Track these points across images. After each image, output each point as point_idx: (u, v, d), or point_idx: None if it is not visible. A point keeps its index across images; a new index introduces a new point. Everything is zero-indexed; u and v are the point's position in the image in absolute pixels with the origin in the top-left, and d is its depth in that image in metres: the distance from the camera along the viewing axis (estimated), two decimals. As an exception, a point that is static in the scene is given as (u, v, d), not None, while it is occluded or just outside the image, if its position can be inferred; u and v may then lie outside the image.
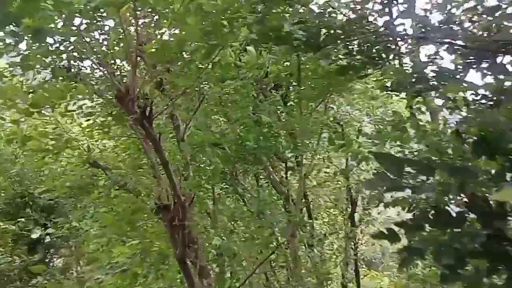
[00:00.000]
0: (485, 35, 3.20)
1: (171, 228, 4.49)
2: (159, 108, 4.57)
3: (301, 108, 7.05)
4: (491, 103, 3.24)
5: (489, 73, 3.68)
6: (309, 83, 7.01)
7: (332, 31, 3.62)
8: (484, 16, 3.20)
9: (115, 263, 6.21)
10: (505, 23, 3.16)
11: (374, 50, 3.64)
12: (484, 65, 3.52)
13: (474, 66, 3.61)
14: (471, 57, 3.54)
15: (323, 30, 3.65)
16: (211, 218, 6.78)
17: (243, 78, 5.62)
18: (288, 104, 7.51)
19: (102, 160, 5.46)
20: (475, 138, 2.77)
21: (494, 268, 2.50)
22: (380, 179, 2.55)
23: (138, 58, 4.04)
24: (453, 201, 2.55)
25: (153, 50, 3.76)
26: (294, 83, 7.18)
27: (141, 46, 4.05)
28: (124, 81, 4.08)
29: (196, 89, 5.07)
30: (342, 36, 3.59)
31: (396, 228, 2.44)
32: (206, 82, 5.53)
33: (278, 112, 7.32)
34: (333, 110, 8.99)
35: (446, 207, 2.52)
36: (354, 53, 3.71)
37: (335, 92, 7.47)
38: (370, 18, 3.99)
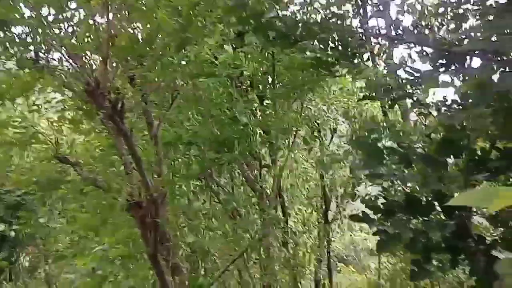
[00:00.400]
0: (453, 39, 3.30)
1: (143, 226, 4.41)
2: (131, 103, 4.49)
3: (277, 106, 7.08)
4: (460, 107, 3.35)
5: (457, 77, 3.80)
6: (285, 81, 7.05)
7: (308, 26, 3.65)
8: (453, 21, 3.29)
9: (85, 262, 6.06)
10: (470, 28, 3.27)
11: (348, 48, 3.69)
12: (453, 68, 3.63)
13: (443, 69, 3.72)
14: (440, 61, 3.65)
15: (300, 25, 3.68)
16: (185, 215, 6.72)
17: (218, 76, 5.60)
18: (264, 102, 7.53)
19: (72, 155, 5.29)
20: (442, 138, 2.87)
21: (457, 262, 2.61)
22: (365, 164, 2.62)
23: (110, 52, 3.95)
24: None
25: (124, 43, 3.67)
26: (269, 82, 7.20)
27: (112, 39, 3.96)
28: (95, 74, 3.97)
29: (170, 85, 5.01)
30: (318, 32, 3.62)
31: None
32: (180, 79, 5.46)
33: (254, 110, 7.33)
34: (309, 109, 9.07)
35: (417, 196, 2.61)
36: (329, 49, 3.76)
37: (310, 90, 7.54)
38: (346, 18, 4.06)
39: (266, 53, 6.48)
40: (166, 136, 5.76)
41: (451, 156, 2.85)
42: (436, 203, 2.52)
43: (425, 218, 2.48)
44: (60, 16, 3.70)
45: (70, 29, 3.93)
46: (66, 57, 3.96)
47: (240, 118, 6.18)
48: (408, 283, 7.75)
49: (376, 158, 2.40)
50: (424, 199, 2.52)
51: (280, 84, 7.16)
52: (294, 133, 7.98)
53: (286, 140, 7.89)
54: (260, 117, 7.22)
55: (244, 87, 7.11)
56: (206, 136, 5.99)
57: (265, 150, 7.64)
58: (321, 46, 3.79)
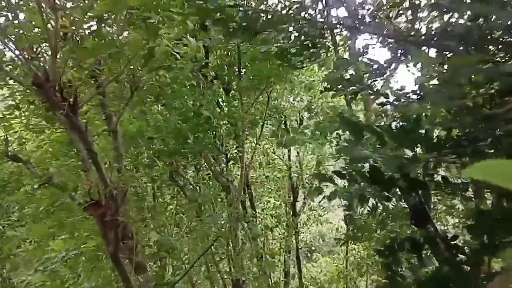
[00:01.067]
0: (410, 28, 3.33)
1: (103, 224, 4.23)
2: (86, 96, 4.27)
3: (242, 98, 7.01)
4: (418, 97, 3.41)
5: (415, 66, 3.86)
6: (250, 73, 6.98)
7: (268, 18, 3.59)
8: (409, 10, 3.32)
9: (44, 263, 5.79)
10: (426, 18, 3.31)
11: (308, 38, 3.65)
12: (411, 58, 3.69)
13: (402, 59, 3.78)
14: (399, 51, 3.70)
15: (259, 16, 3.61)
16: (149, 212, 6.55)
17: (180, 68, 5.42)
18: (230, 94, 7.43)
19: (24, 153, 4.99)
20: (398, 128, 2.90)
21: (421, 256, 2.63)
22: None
23: (61, 42, 3.72)
24: None
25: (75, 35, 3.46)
26: (235, 73, 7.11)
27: (63, 29, 3.72)
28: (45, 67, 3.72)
29: (128, 77, 4.79)
30: (277, 23, 3.57)
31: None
32: (140, 70, 5.25)
33: (219, 102, 7.22)
34: (275, 101, 9.05)
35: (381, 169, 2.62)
36: (290, 39, 3.72)
37: (276, 82, 7.51)
38: (306, 8, 4.02)
39: (230, 44, 6.37)
40: (130, 130, 5.56)
41: (408, 146, 2.88)
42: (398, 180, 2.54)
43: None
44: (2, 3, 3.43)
45: (14, 18, 3.65)
46: (11, 48, 3.68)
47: (203, 111, 6.07)
48: (373, 269, 7.96)
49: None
50: (388, 174, 2.53)
51: (246, 76, 7.09)
52: (261, 125, 7.95)
53: (253, 132, 7.85)
54: (226, 109, 7.13)
55: (209, 79, 6.98)
56: (170, 129, 5.83)
57: (232, 143, 7.57)
58: (282, 36, 3.74)
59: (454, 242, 2.50)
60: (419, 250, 2.53)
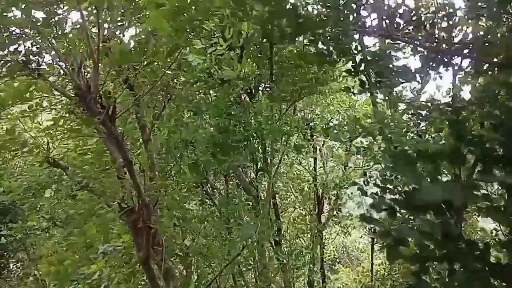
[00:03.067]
0: (445, 38, 3.32)
1: (135, 230, 4.37)
2: (124, 107, 4.45)
3: (272, 110, 7.06)
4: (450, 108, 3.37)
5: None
6: (280, 87, 7.01)
7: (304, 21, 3.63)
8: (445, 19, 3.31)
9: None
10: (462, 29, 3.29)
11: (344, 44, 3.66)
12: (443, 68, 3.66)
13: (434, 68, 3.74)
14: (431, 60, 3.67)
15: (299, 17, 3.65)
16: (180, 219, 6.67)
17: (215, 82, 5.49)
18: (260, 106, 7.48)
19: (64, 160, 5.23)
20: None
21: (453, 271, 2.57)
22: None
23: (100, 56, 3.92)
24: None
25: (116, 48, 3.65)
26: (266, 87, 7.17)
27: (104, 43, 3.93)
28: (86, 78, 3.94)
29: (163, 89, 4.98)
30: (316, 26, 3.59)
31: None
32: (175, 83, 5.43)
33: (250, 114, 7.29)
34: (302, 112, 9.08)
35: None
36: (326, 42, 3.73)
37: (307, 93, 7.50)
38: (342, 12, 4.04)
39: (263, 55, 6.41)
40: (165, 139, 5.67)
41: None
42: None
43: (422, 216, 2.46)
44: (52, 20, 3.66)
45: (60, 32, 3.89)
46: (57, 61, 3.92)
47: (245, 122, 6.11)
48: (399, 283, 7.78)
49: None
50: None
51: (280, 85, 7.10)
52: (288, 136, 7.97)
53: (281, 144, 7.88)
54: (256, 121, 7.19)
55: (242, 92, 7.06)
56: (205, 140, 5.93)
57: (260, 154, 7.62)
58: (320, 40, 3.75)
59: (485, 255, 2.45)
60: (449, 261, 2.48)
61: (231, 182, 7.74)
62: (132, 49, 3.98)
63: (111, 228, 5.67)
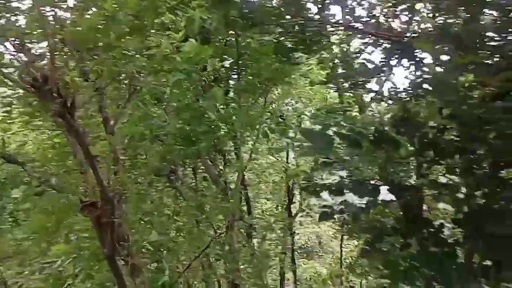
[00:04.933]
0: (404, 30, 3.39)
1: (99, 226, 4.25)
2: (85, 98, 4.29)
3: (241, 100, 7.01)
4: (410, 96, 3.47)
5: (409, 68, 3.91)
6: (249, 74, 6.97)
7: (267, 10, 3.61)
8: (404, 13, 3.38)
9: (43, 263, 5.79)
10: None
11: (305, 35, 3.69)
12: (405, 60, 3.74)
13: (396, 61, 3.83)
14: (393, 52, 3.74)
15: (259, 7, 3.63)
16: (147, 213, 6.56)
17: (181, 71, 5.39)
18: (228, 96, 7.43)
19: (22, 154, 5.01)
20: (398, 116, 2.96)
21: (408, 245, 2.74)
22: (310, 150, 2.69)
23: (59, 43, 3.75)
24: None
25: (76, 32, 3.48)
26: (233, 76, 7.10)
27: (62, 30, 3.75)
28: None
29: (125, 79, 4.82)
30: (276, 17, 3.59)
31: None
32: (139, 73, 5.27)
33: (218, 105, 7.22)
34: (274, 103, 9.06)
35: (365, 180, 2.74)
36: (289, 33, 3.74)
37: (275, 83, 7.49)
38: (304, 5, 4.05)
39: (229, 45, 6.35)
40: (129, 132, 5.54)
41: (406, 134, 2.96)
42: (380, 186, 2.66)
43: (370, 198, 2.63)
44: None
45: (14, 19, 3.68)
46: (10, 50, 3.71)
47: (209, 114, 6.05)
48: (366, 270, 8.01)
49: (324, 145, 2.48)
50: (371, 182, 2.67)
51: (245, 77, 7.07)
52: (259, 127, 7.95)
53: (251, 134, 7.86)
54: (224, 112, 7.13)
55: (208, 81, 6.98)
56: (171, 132, 5.83)
57: (229, 145, 7.59)
58: (280, 31, 3.77)
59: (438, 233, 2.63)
60: (404, 236, 2.65)
61: (200, 175, 7.67)
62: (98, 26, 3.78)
63: (76, 223, 5.51)
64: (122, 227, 4.75)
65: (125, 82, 4.92)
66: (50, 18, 3.68)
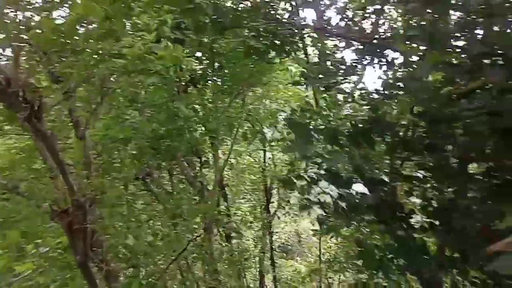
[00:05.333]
0: (374, 32, 3.45)
1: (70, 233, 4.12)
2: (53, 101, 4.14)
3: (217, 102, 6.97)
4: (382, 96, 3.55)
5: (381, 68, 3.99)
6: (224, 75, 6.94)
7: (238, 14, 3.62)
8: (373, 16, 3.43)
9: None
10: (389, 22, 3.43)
11: (277, 37, 3.72)
12: (376, 61, 3.81)
13: (368, 61, 3.89)
14: (365, 53, 3.81)
15: (230, 11, 3.64)
16: (122, 218, 6.42)
17: (155, 72, 5.32)
18: (204, 98, 7.37)
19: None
20: (370, 117, 3.05)
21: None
22: (295, 145, 2.75)
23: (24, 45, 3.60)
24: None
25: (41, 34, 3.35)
26: (209, 77, 7.05)
27: (27, 31, 3.61)
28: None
29: (99, 81, 4.69)
30: (247, 20, 3.61)
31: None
32: (110, 75, 5.15)
33: (194, 106, 7.15)
34: (250, 104, 9.05)
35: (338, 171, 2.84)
36: (260, 36, 3.77)
37: (251, 84, 7.49)
38: (276, 8, 4.07)
39: (204, 46, 6.30)
40: (103, 136, 5.42)
41: (379, 133, 3.06)
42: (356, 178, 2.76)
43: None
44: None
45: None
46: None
47: (184, 114, 5.98)
48: (345, 266, 8.13)
49: (305, 138, 2.55)
50: (346, 175, 2.78)
51: (220, 78, 7.05)
52: (236, 128, 7.93)
53: (228, 136, 7.83)
54: (201, 112, 7.07)
55: (184, 83, 6.90)
56: (145, 134, 5.73)
57: (206, 146, 7.53)
58: (252, 34, 3.79)
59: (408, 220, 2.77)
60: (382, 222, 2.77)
61: (176, 177, 7.58)
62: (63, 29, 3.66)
63: (46, 230, 5.33)
64: (96, 233, 4.63)
65: (97, 84, 4.78)
66: (14, 19, 3.53)
